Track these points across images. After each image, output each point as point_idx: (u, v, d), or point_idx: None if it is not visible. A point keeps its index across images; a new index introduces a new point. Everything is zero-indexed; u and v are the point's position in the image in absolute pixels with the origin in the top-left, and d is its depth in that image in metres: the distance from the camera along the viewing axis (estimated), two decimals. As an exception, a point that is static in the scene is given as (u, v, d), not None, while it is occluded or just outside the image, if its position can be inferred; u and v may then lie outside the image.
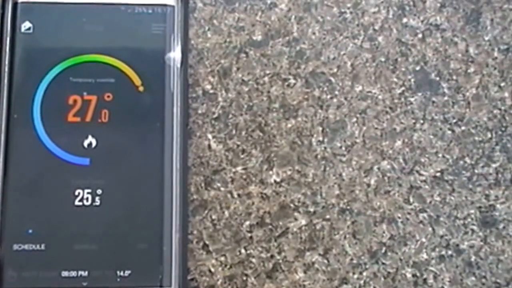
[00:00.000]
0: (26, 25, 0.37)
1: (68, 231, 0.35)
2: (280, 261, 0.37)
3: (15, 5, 0.37)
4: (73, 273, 0.34)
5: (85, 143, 0.36)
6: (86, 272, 0.34)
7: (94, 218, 0.35)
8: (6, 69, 0.36)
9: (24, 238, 0.35)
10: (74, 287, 0.34)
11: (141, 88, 0.37)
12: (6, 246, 0.34)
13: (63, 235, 0.35)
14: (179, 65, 0.37)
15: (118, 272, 0.34)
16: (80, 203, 0.35)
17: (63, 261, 0.34)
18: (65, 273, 0.34)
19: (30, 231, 0.35)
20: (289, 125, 0.39)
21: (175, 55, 0.37)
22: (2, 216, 0.35)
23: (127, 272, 0.34)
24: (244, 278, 0.36)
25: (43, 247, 0.35)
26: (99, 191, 0.35)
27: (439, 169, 0.38)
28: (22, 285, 0.34)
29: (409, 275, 0.37)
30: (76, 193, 0.35)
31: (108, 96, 0.37)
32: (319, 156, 0.38)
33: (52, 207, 0.35)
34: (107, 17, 0.37)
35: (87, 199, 0.35)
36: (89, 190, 0.35)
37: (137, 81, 0.37)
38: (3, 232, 0.35)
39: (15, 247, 0.34)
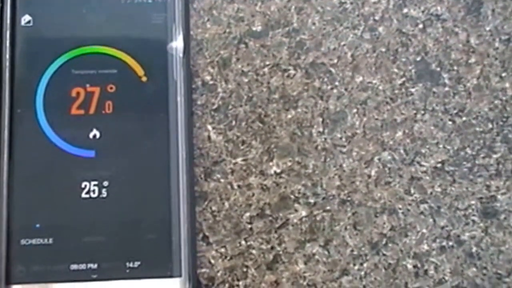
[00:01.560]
0: (26, 18, 0.37)
1: (76, 224, 0.35)
2: (281, 252, 0.37)
3: None
4: (82, 266, 0.34)
5: (90, 135, 0.36)
6: (96, 265, 0.34)
7: (102, 210, 0.35)
8: (7, 63, 0.36)
9: (31, 232, 0.35)
10: (83, 279, 0.34)
11: (144, 79, 0.37)
12: (13, 241, 0.34)
13: (71, 228, 0.35)
14: (181, 55, 0.37)
15: (127, 264, 0.34)
16: (87, 196, 0.35)
17: (72, 254, 0.34)
18: (74, 266, 0.34)
19: (38, 225, 0.35)
20: (289, 116, 0.38)
21: (177, 44, 0.37)
22: (9, 211, 0.35)
23: (137, 263, 0.34)
24: (245, 269, 0.36)
25: (51, 241, 0.35)
26: (105, 183, 0.35)
27: (440, 160, 0.38)
28: (31, 279, 0.34)
29: (410, 266, 0.37)
30: (83, 186, 0.35)
31: (111, 87, 0.37)
32: (319, 147, 0.38)
33: (59, 200, 0.35)
34: (108, 8, 0.37)
35: (93, 191, 0.35)
36: (96, 182, 0.35)
37: (139, 71, 0.37)
38: (10, 227, 0.34)
39: (23, 242, 0.34)
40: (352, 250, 0.37)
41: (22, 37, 0.37)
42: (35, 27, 0.37)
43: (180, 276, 0.34)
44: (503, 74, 0.40)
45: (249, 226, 0.37)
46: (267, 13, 0.40)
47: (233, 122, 0.38)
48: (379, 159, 0.38)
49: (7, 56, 0.36)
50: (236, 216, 0.37)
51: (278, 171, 0.38)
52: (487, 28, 0.40)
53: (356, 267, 0.37)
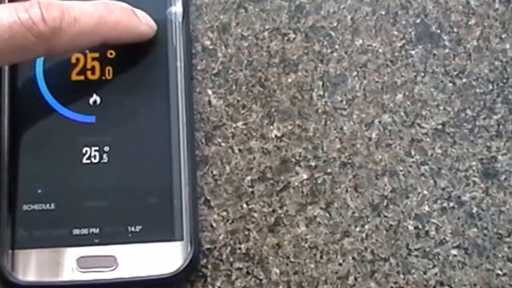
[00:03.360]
0: None
1: (78, 189, 0.35)
2: (282, 215, 0.37)
3: None
4: (84, 231, 0.35)
5: (90, 101, 0.36)
6: (97, 229, 0.35)
7: (103, 175, 0.35)
8: None
9: (33, 198, 0.35)
10: (85, 244, 0.34)
11: (143, 44, 0.36)
12: (16, 207, 0.35)
13: (72, 193, 0.35)
14: (180, 20, 0.37)
15: (129, 228, 0.35)
16: (88, 161, 0.35)
17: (74, 219, 0.35)
18: (76, 231, 0.35)
19: (39, 191, 0.35)
20: (289, 80, 0.38)
21: (176, 9, 0.37)
22: (11, 177, 0.35)
23: (138, 227, 0.35)
24: (246, 232, 0.37)
25: (53, 206, 0.35)
26: (106, 148, 0.35)
27: (440, 122, 0.38)
28: (34, 244, 0.34)
29: (411, 228, 0.37)
30: (84, 151, 0.35)
31: (111, 53, 0.37)
32: (319, 111, 0.38)
33: (60, 166, 0.35)
34: None
35: (94, 156, 0.35)
36: (96, 148, 0.35)
37: None
38: (12, 193, 0.35)
39: (25, 207, 0.35)
40: (353, 212, 0.37)
41: None
42: None
43: (182, 239, 0.35)
44: (503, 36, 0.40)
45: (251, 189, 0.37)
46: (266, -23, 0.40)
47: (233, 87, 0.38)
48: (379, 122, 0.38)
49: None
50: (237, 179, 0.37)
51: (279, 134, 0.38)
52: (487, -11, 0.40)
53: (358, 229, 0.37)
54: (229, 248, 0.36)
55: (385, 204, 0.37)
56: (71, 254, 0.34)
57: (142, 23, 0.36)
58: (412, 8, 0.40)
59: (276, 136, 0.38)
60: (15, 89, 0.36)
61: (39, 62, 0.36)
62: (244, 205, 0.37)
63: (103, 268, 0.34)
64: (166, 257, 0.34)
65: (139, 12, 0.35)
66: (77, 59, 0.36)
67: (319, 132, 0.38)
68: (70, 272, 0.34)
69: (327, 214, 0.37)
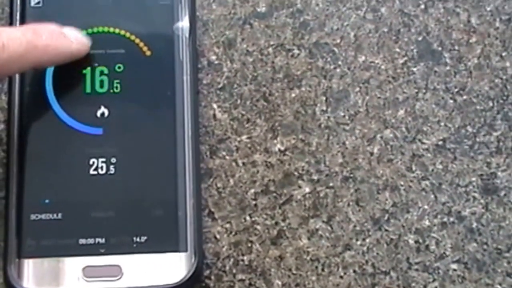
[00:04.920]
0: None
1: (84, 200, 0.35)
2: (285, 228, 0.37)
3: None
4: (91, 240, 0.35)
5: (98, 113, 0.36)
6: (103, 239, 0.35)
7: (109, 186, 0.36)
8: None
9: (41, 208, 0.35)
10: (91, 253, 0.35)
11: (151, 58, 0.37)
12: (24, 216, 0.35)
13: (79, 204, 0.35)
14: (187, 35, 0.38)
15: (134, 238, 0.35)
16: (95, 172, 0.36)
17: (80, 229, 0.35)
18: (82, 241, 0.35)
19: (47, 201, 0.35)
20: (293, 95, 0.39)
21: (183, 24, 0.38)
22: (19, 187, 0.35)
23: (143, 238, 0.35)
24: (249, 244, 0.37)
25: (60, 216, 0.35)
26: (113, 160, 0.36)
27: (441, 138, 0.39)
28: (41, 253, 0.35)
29: (411, 242, 0.37)
30: (91, 162, 0.36)
31: (119, 67, 0.37)
32: (322, 125, 0.39)
33: (68, 176, 0.36)
34: None
35: (101, 167, 0.36)
36: (104, 159, 0.36)
37: (146, 51, 0.37)
38: (20, 203, 0.35)
39: (33, 217, 0.35)
40: (354, 226, 0.38)
41: (32, 18, 0.37)
42: (44, 8, 0.38)
43: (186, 251, 0.35)
44: (504, 54, 0.40)
45: (254, 202, 0.38)
46: (271, -6, 0.40)
47: (238, 101, 0.39)
48: (381, 137, 0.39)
49: (18, 36, 0.37)
50: (241, 192, 0.38)
51: (282, 148, 0.38)
52: (488, 8, 0.41)
53: (359, 243, 0.37)
54: (232, 259, 0.37)
55: (386, 218, 0.38)
56: (77, 263, 0.35)
57: (73, 43, 0.36)
58: (414, 26, 0.40)
59: (279, 150, 0.38)
60: (25, 100, 0.36)
61: (49, 74, 0.37)
62: (247, 218, 0.37)
63: (109, 277, 0.34)
64: (171, 267, 0.35)
65: (69, 32, 0.36)
66: (86, 72, 0.37)
67: (322, 147, 0.38)
68: (75, 281, 0.34)
69: (329, 227, 0.37)
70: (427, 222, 0.38)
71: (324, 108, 0.39)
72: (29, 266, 0.34)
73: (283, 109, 0.39)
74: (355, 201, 0.38)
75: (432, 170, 0.38)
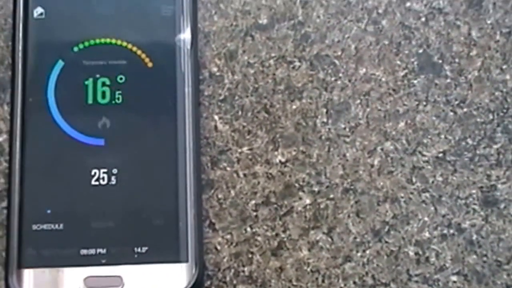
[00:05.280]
0: (38, 10, 0.38)
1: (86, 210, 0.36)
2: (285, 239, 0.37)
3: None
4: (92, 251, 0.35)
5: (100, 124, 0.37)
6: (105, 250, 0.35)
7: (111, 197, 0.36)
8: (20, 54, 0.37)
9: (43, 218, 0.35)
10: (93, 264, 0.35)
11: (152, 70, 0.37)
12: (25, 227, 0.35)
13: (81, 214, 0.36)
14: (189, 47, 0.38)
15: (135, 249, 0.35)
16: (97, 183, 0.36)
17: (82, 239, 0.35)
18: (83, 251, 0.35)
19: (49, 211, 0.35)
20: (294, 107, 0.39)
21: (185, 36, 0.38)
22: (21, 197, 0.35)
23: (145, 249, 0.35)
24: (250, 255, 0.37)
25: (61, 226, 0.35)
26: (114, 171, 0.36)
27: (441, 150, 0.39)
28: (42, 263, 0.35)
29: (411, 253, 0.38)
30: (93, 173, 0.36)
31: (121, 78, 0.37)
32: (323, 137, 0.39)
33: (70, 187, 0.36)
34: (117, 1, 0.38)
35: (103, 178, 0.36)
36: (105, 170, 0.36)
37: (148, 62, 0.37)
38: (22, 213, 0.35)
39: (34, 227, 0.35)
40: (355, 237, 0.38)
41: (35, 29, 0.37)
42: (47, 19, 0.38)
43: (187, 261, 0.35)
44: (504, 67, 0.40)
45: (255, 213, 0.38)
46: (272, 6, 0.40)
47: (239, 112, 0.39)
48: (381, 149, 0.39)
49: (20, 47, 0.37)
50: (241, 203, 0.38)
51: (283, 160, 0.38)
52: (488, 22, 0.41)
53: (359, 254, 0.37)
54: (232, 270, 0.37)
55: (386, 230, 0.38)
56: (78, 273, 0.35)
57: None
58: (414, 39, 0.41)
59: (280, 161, 0.38)
60: (27, 111, 0.36)
61: (51, 85, 0.37)
62: (248, 229, 0.37)
63: (110, 287, 0.35)
64: (171, 278, 0.35)
65: None
66: (88, 83, 0.37)
67: (323, 158, 0.39)
68: (76, 291, 0.35)
69: (329, 239, 0.38)
70: (427, 234, 0.38)
71: (325, 120, 0.39)
72: (30, 276, 0.35)
73: (284, 120, 0.39)
74: (355, 213, 0.38)
75: (432, 182, 0.39)
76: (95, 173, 0.36)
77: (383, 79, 0.40)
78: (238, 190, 0.38)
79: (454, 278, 0.37)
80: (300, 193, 0.38)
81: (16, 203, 0.35)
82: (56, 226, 0.35)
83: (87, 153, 0.36)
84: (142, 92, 0.37)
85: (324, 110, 0.39)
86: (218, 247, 0.37)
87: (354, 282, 0.37)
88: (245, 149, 0.38)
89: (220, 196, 0.38)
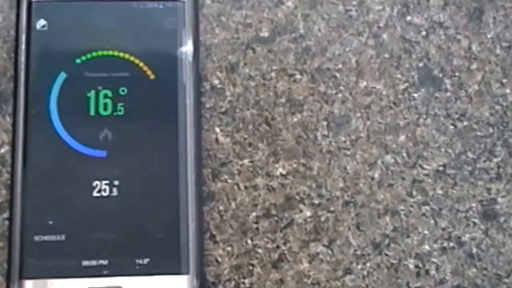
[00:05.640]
0: (41, 22, 0.38)
1: (88, 222, 0.36)
2: (286, 251, 0.38)
3: (29, 4, 0.38)
4: (93, 262, 0.35)
5: (101, 136, 0.37)
6: (106, 261, 0.35)
7: (112, 208, 0.36)
8: (23, 66, 0.37)
9: (45, 229, 0.35)
10: (94, 275, 0.35)
11: (154, 82, 0.38)
12: (27, 238, 0.35)
13: (82, 226, 0.36)
14: (191, 59, 0.38)
15: (137, 260, 0.35)
16: (98, 194, 0.36)
17: (83, 251, 0.35)
18: (85, 262, 0.35)
19: (51, 222, 0.36)
20: (295, 119, 0.39)
21: (187, 49, 0.38)
22: (23, 208, 0.36)
23: (146, 260, 0.35)
24: (250, 267, 0.37)
25: (63, 237, 0.35)
26: (116, 182, 0.36)
27: (441, 163, 0.39)
28: (44, 274, 0.35)
29: (411, 266, 0.38)
30: (94, 185, 0.36)
31: (123, 90, 0.37)
32: (324, 150, 0.39)
33: (71, 198, 0.36)
34: (120, 13, 0.38)
35: (104, 190, 0.36)
36: (107, 182, 0.36)
37: (150, 74, 0.38)
38: (24, 224, 0.35)
39: (36, 238, 0.35)
40: (355, 250, 0.38)
41: (37, 41, 0.38)
42: (50, 31, 0.38)
43: (188, 273, 0.35)
44: (504, 80, 0.41)
45: (255, 225, 0.38)
46: (274, 19, 0.41)
47: (240, 125, 0.39)
48: (382, 162, 0.39)
49: (23, 59, 0.37)
50: (242, 215, 0.38)
51: (284, 172, 0.39)
52: (489, 36, 0.41)
53: (359, 267, 0.38)
54: (233, 282, 0.37)
55: (386, 242, 0.38)
56: (80, 284, 0.35)
57: None
58: (415, 52, 0.41)
59: (281, 174, 0.39)
60: (29, 122, 0.37)
61: (54, 96, 0.37)
62: (249, 241, 0.38)
63: (111, 299, 0.35)
64: (172, 289, 0.35)
65: None
66: (90, 95, 0.37)
67: (323, 171, 0.39)
68: (78, 302, 0.35)
69: (330, 251, 0.38)
70: (427, 247, 0.38)
71: (326, 132, 0.39)
72: (32, 286, 0.35)
73: (285, 133, 0.39)
74: (355, 226, 0.38)
75: (432, 195, 0.39)
76: (96, 184, 0.36)
77: (384, 92, 0.40)
78: (238, 202, 0.38)
79: (454, 291, 0.38)
80: (301, 206, 0.38)
81: (18, 214, 0.35)
82: (58, 237, 0.35)
83: (89, 165, 0.36)
84: (144, 104, 0.37)
85: (325, 123, 0.39)
86: (219, 259, 0.37)
87: (354, 295, 0.37)
88: (246, 161, 0.39)
89: (221, 208, 0.38)
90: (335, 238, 0.38)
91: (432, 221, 0.38)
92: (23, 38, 0.38)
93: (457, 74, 0.41)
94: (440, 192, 0.39)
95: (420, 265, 0.38)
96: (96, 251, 0.35)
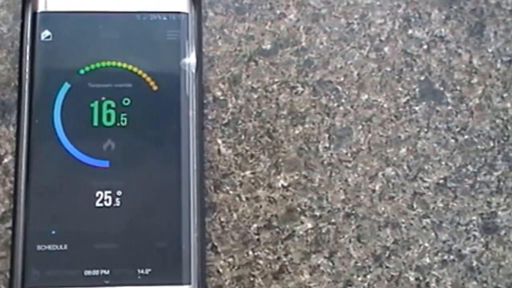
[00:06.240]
0: (45, 33, 0.38)
1: (90, 232, 0.36)
2: (287, 263, 0.38)
3: (34, 14, 0.38)
4: (95, 272, 0.35)
5: (105, 146, 0.37)
6: (108, 271, 0.35)
7: (115, 218, 0.36)
8: (27, 76, 0.37)
9: (47, 238, 0.35)
10: (96, 285, 0.35)
11: (157, 93, 0.38)
12: (30, 247, 0.35)
13: (85, 235, 0.36)
14: (193, 71, 0.38)
15: (138, 270, 0.35)
16: (101, 204, 0.36)
17: (86, 261, 0.35)
18: (87, 272, 0.35)
19: (54, 232, 0.36)
20: (297, 132, 0.40)
21: (190, 60, 0.38)
22: (26, 218, 0.36)
23: (148, 270, 0.35)
24: (252, 279, 0.37)
25: (66, 247, 0.35)
26: (119, 193, 0.36)
27: (442, 176, 0.39)
28: (46, 283, 0.35)
29: (412, 279, 0.38)
30: (97, 195, 0.36)
31: (126, 101, 0.38)
32: (325, 162, 0.39)
33: (74, 208, 0.36)
34: (123, 25, 0.39)
35: (107, 200, 0.36)
36: (109, 192, 0.36)
37: (153, 86, 0.38)
38: (27, 233, 0.35)
39: (39, 247, 0.35)
40: (356, 262, 0.38)
41: (42, 52, 0.38)
42: (54, 42, 0.38)
43: (189, 283, 0.35)
44: (505, 95, 0.41)
45: (257, 237, 0.38)
46: (276, 32, 0.41)
47: (242, 137, 0.39)
48: (383, 175, 0.39)
49: (27, 70, 0.37)
50: (244, 227, 0.38)
51: (285, 184, 0.39)
52: (490, 50, 0.41)
53: (360, 279, 0.38)
54: (234, 293, 0.37)
55: (387, 255, 0.38)
56: None
57: None
58: (416, 66, 0.41)
59: (282, 185, 0.39)
60: (33, 132, 0.37)
61: (57, 107, 0.37)
62: (250, 252, 0.38)
63: (113, 308, 0.35)
64: (174, 300, 0.35)
65: None
66: (93, 106, 0.38)
67: (324, 183, 0.39)
68: (80, 312, 0.35)
69: (331, 263, 0.38)
70: (427, 260, 0.38)
71: (327, 145, 0.39)
72: None
73: (287, 145, 0.39)
74: (356, 238, 0.38)
75: (433, 208, 0.39)
76: (99, 194, 0.36)
77: (385, 106, 0.40)
78: (240, 214, 0.38)
79: (454, 304, 0.38)
80: (302, 217, 0.38)
81: (21, 223, 0.35)
82: (61, 247, 0.35)
83: (92, 175, 0.37)
84: (147, 115, 0.38)
85: (326, 135, 0.40)
86: (220, 270, 0.37)
87: (355, 307, 0.37)
88: (247, 173, 0.39)
89: (222, 219, 0.38)
90: (336, 250, 0.38)
91: (433, 234, 0.38)
92: (27, 49, 0.38)
93: (458, 87, 0.41)
94: (440, 205, 0.39)
95: (421, 278, 0.38)
96: (98, 261, 0.35)
